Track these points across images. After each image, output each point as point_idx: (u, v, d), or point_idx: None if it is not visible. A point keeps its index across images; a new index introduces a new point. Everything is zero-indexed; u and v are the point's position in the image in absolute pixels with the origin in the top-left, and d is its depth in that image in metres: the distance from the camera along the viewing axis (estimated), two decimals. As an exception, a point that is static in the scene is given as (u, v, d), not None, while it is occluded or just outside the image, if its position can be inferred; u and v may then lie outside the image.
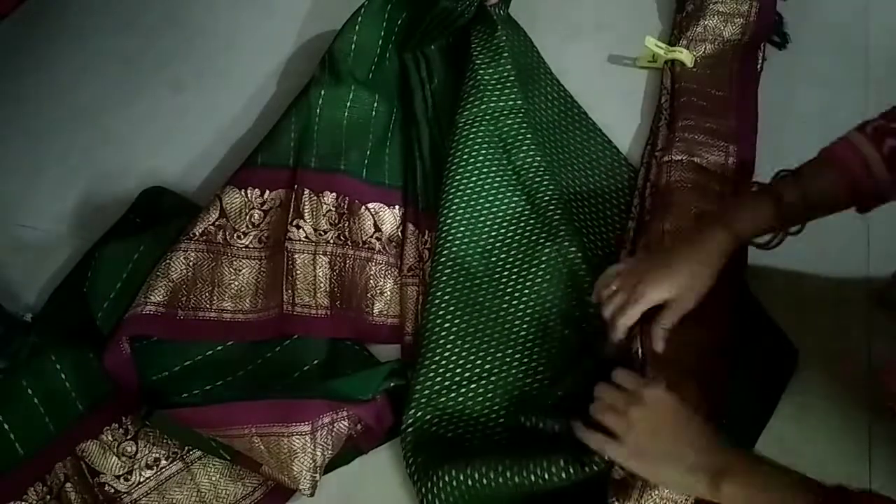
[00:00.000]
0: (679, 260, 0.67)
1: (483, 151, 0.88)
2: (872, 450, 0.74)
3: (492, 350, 0.80)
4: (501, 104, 0.91)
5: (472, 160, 0.88)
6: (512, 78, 0.92)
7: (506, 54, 0.93)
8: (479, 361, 0.79)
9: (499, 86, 0.91)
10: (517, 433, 0.75)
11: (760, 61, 0.95)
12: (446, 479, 0.70)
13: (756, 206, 0.66)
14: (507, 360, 0.80)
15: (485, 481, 0.68)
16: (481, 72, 0.91)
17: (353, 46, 0.91)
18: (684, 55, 0.94)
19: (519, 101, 0.91)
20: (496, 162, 0.89)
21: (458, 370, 0.79)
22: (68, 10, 1.11)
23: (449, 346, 0.80)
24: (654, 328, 0.69)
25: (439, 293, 0.82)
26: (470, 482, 0.69)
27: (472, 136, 0.89)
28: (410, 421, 0.77)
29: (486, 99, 0.90)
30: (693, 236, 0.69)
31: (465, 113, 0.90)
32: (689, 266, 0.67)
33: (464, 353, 0.80)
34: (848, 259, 0.83)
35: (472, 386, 0.78)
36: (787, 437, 0.74)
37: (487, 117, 0.90)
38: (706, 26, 0.97)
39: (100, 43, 1.08)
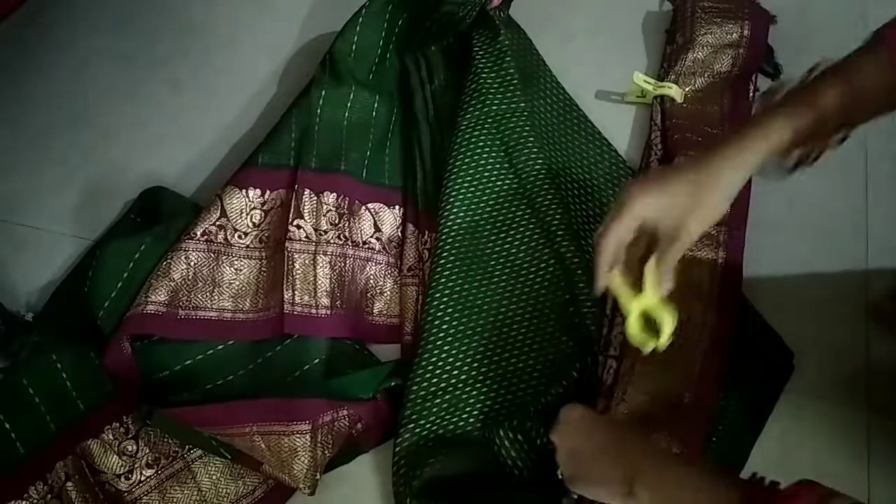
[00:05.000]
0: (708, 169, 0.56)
1: (484, 154, 0.89)
2: (871, 450, 0.74)
3: (488, 353, 0.80)
4: (504, 107, 0.91)
5: (474, 162, 0.88)
6: (514, 81, 0.92)
7: (508, 57, 0.93)
8: (475, 364, 0.80)
9: (501, 88, 0.92)
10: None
11: (752, 92, 0.94)
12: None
13: (794, 108, 0.55)
14: (503, 363, 0.80)
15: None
16: (484, 74, 0.92)
17: (353, 47, 0.91)
18: (674, 90, 0.92)
19: (521, 104, 0.91)
20: (497, 164, 0.89)
21: (455, 371, 0.79)
22: (68, 10, 1.11)
23: (446, 348, 0.80)
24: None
25: (438, 294, 0.83)
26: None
27: (473, 138, 0.89)
28: (405, 421, 0.77)
29: (488, 102, 0.90)
30: (713, 150, 0.57)
31: (467, 115, 0.90)
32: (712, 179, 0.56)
33: (460, 355, 0.80)
34: (847, 260, 0.83)
35: (467, 388, 0.79)
36: (785, 437, 0.75)
37: (490, 120, 0.90)
38: (696, 59, 0.95)
39: (99, 43, 1.08)
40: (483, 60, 0.92)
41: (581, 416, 0.64)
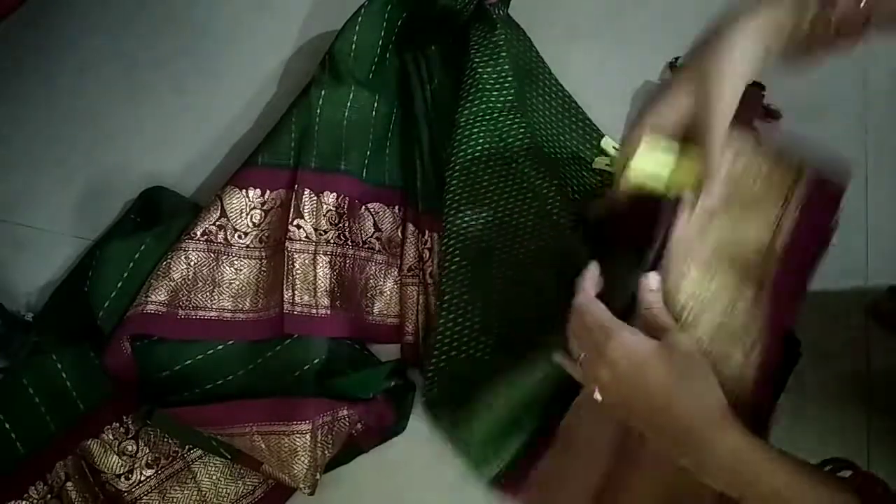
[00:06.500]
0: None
1: (480, 149, 0.89)
2: (871, 450, 0.74)
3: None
4: (500, 103, 0.91)
5: (472, 158, 0.88)
6: (510, 77, 0.92)
7: (504, 53, 0.93)
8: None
9: (497, 84, 0.92)
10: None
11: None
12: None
13: None
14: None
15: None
16: (480, 70, 0.92)
17: (353, 47, 0.91)
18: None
19: (517, 102, 0.91)
20: (494, 159, 0.89)
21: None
22: (68, 10, 1.11)
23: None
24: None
25: (448, 289, 0.84)
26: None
27: (472, 134, 0.89)
28: (432, 368, 0.80)
29: (484, 98, 0.90)
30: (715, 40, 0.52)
31: (465, 112, 0.90)
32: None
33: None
34: (848, 261, 0.83)
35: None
36: (784, 437, 0.74)
37: (486, 116, 0.90)
38: None
39: (99, 43, 1.08)
40: (479, 56, 0.92)
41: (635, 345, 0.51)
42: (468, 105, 0.90)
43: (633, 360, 0.51)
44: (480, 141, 0.89)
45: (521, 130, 0.90)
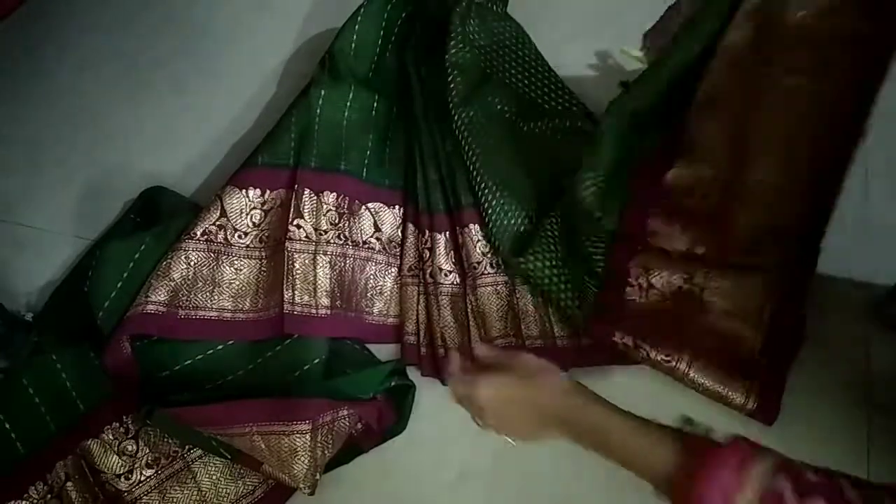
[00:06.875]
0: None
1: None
2: (871, 450, 0.74)
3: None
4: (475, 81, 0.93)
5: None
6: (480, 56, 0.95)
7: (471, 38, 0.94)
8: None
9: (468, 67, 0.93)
10: None
11: None
12: None
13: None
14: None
15: None
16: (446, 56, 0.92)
17: (352, 46, 0.91)
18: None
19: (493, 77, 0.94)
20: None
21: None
22: (68, 10, 1.11)
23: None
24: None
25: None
26: None
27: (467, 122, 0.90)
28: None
29: (458, 80, 0.91)
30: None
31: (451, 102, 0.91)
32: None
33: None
34: (848, 261, 0.83)
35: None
36: (784, 436, 0.74)
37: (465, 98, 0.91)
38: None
39: (100, 43, 1.08)
40: (451, 44, 0.92)
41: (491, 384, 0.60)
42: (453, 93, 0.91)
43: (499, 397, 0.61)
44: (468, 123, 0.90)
45: (498, 100, 0.93)
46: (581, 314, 0.80)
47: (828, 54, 0.74)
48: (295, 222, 0.85)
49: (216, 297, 0.84)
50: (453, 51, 0.91)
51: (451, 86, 0.90)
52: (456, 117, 0.89)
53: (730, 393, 0.74)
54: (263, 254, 0.87)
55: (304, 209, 0.86)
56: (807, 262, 0.75)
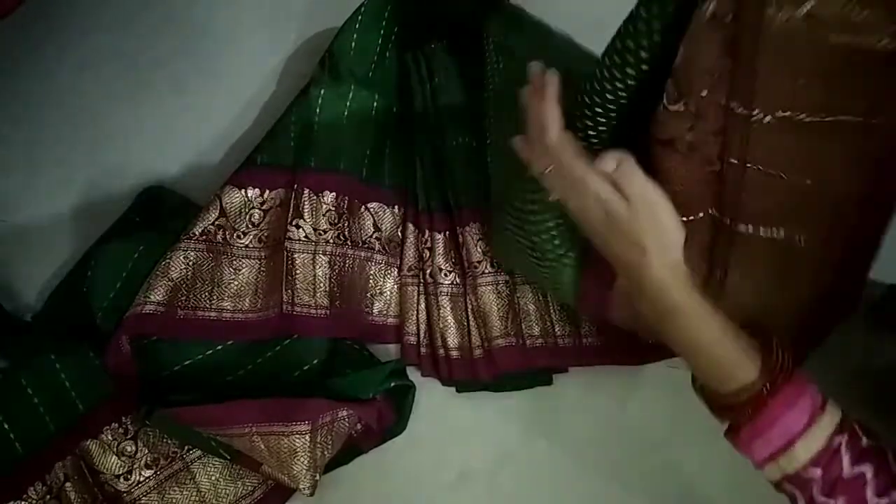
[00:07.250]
0: None
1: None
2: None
3: None
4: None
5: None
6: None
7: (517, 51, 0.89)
8: None
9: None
10: None
11: None
12: None
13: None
14: None
15: None
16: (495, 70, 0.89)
17: (353, 45, 0.91)
18: None
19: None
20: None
21: None
22: (68, 9, 1.11)
23: None
24: None
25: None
26: None
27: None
28: None
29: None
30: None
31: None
32: None
33: None
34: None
35: None
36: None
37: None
38: None
39: (99, 42, 1.08)
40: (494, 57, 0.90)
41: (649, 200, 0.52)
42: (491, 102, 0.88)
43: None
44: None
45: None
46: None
47: None
48: (294, 222, 0.85)
49: (215, 297, 0.84)
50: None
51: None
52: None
53: None
54: (263, 254, 0.87)
55: (303, 209, 0.86)
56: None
